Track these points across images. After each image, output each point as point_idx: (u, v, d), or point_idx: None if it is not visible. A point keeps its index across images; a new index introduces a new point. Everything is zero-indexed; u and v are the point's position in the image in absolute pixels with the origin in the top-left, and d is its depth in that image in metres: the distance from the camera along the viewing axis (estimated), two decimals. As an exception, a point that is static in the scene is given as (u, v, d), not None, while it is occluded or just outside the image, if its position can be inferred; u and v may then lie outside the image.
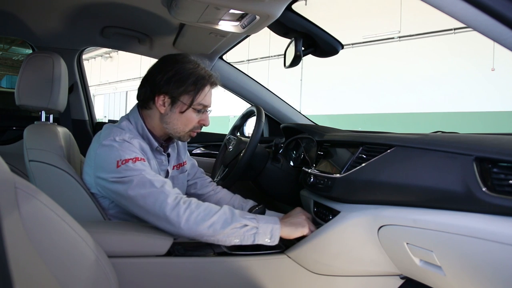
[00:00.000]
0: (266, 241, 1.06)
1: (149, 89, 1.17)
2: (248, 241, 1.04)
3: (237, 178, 1.43)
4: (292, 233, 1.09)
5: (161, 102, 1.16)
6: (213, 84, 1.21)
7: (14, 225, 0.62)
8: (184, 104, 1.16)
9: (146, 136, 1.19)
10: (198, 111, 1.19)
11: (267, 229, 1.05)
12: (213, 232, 1.00)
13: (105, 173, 1.07)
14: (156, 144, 1.21)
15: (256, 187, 1.63)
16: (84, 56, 1.94)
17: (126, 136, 1.11)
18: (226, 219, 1.02)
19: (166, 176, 1.28)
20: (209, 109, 1.23)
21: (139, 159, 1.07)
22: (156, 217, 1.02)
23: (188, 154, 1.46)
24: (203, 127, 1.26)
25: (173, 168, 1.32)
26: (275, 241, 1.06)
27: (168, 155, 1.30)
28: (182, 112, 1.17)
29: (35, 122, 1.29)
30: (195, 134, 1.23)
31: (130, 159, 1.06)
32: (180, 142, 1.37)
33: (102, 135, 1.14)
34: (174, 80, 1.14)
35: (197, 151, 2.08)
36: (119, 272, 0.94)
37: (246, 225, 1.04)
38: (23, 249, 0.63)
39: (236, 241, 1.04)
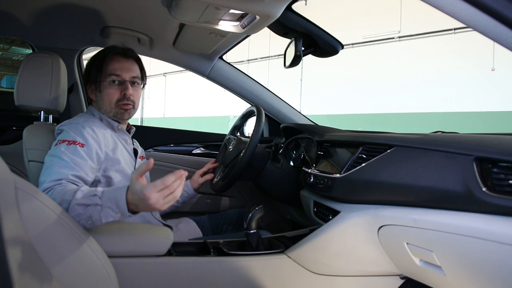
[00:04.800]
0: (118, 216, 0.88)
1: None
2: (98, 222, 0.88)
3: (237, 178, 1.42)
4: (140, 203, 0.86)
5: (90, 91, 1.28)
6: (118, 53, 1.25)
7: (14, 225, 0.62)
8: (98, 82, 1.24)
9: (104, 119, 1.27)
10: (114, 82, 1.23)
11: (111, 203, 0.87)
12: None
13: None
14: (115, 122, 1.27)
15: (256, 187, 1.63)
16: (84, 56, 1.93)
17: (80, 119, 1.19)
18: (69, 204, 0.90)
19: (135, 155, 1.31)
20: (137, 80, 1.26)
21: (76, 143, 1.09)
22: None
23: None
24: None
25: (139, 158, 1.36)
26: (125, 214, 0.88)
27: (133, 137, 1.36)
28: (101, 91, 1.24)
29: (34, 122, 1.29)
30: (128, 107, 1.25)
31: (67, 140, 1.09)
32: (136, 142, 1.41)
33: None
34: (87, 68, 1.28)
35: (197, 151, 2.07)
36: (119, 272, 0.93)
37: (88, 205, 0.89)
38: (23, 249, 0.63)
39: (89, 224, 0.88)
